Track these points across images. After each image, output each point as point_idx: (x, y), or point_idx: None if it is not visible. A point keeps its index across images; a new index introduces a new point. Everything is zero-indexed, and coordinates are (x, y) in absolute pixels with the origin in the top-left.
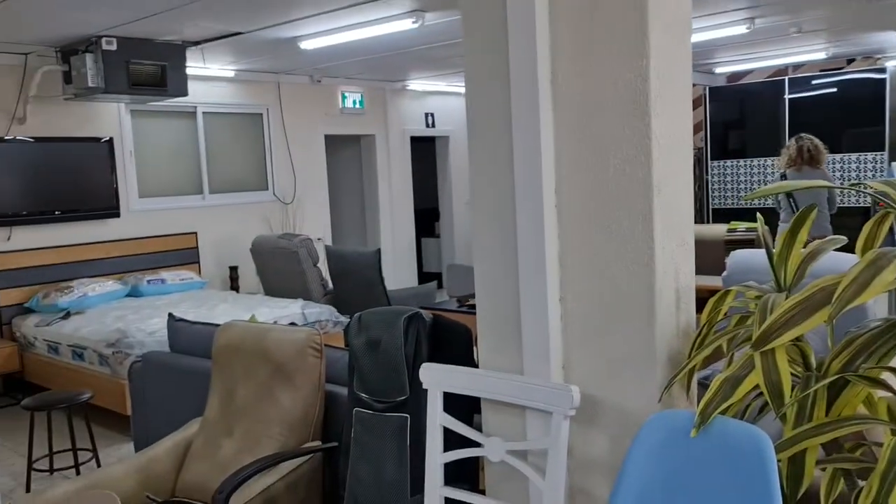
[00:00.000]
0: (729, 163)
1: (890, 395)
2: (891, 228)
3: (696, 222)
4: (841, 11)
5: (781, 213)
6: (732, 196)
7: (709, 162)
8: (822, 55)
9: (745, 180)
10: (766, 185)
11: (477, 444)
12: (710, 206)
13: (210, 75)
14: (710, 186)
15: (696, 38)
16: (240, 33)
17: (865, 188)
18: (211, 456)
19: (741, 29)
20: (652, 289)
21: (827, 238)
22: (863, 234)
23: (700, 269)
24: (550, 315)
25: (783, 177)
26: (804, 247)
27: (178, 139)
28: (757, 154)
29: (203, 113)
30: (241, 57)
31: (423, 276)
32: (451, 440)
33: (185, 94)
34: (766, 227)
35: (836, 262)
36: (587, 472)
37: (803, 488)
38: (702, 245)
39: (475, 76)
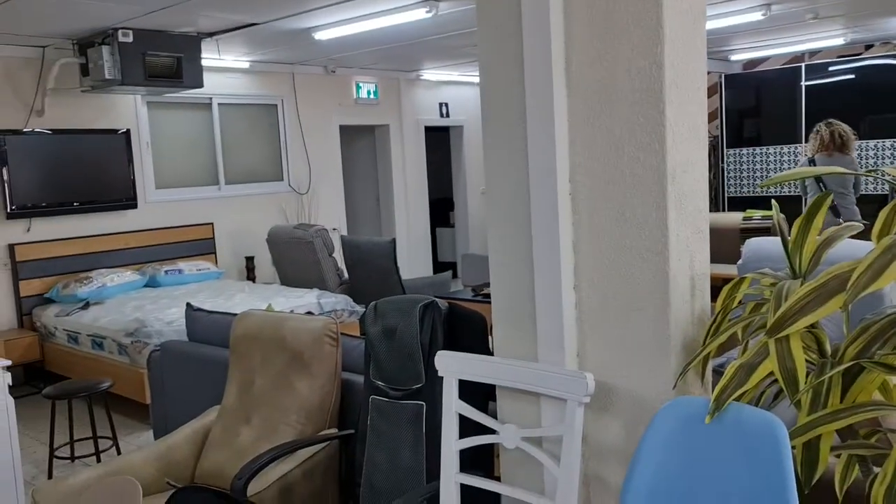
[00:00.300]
0: (745, 151)
1: None
2: None
3: (711, 210)
4: None
5: (808, 199)
6: (748, 184)
7: (724, 150)
8: (839, 41)
9: (761, 168)
10: (781, 172)
11: (492, 431)
12: (726, 195)
13: (225, 66)
14: (725, 174)
15: (712, 24)
16: (255, 24)
17: (883, 175)
18: (229, 443)
19: (757, 15)
20: (666, 276)
21: (842, 225)
22: (879, 221)
23: (715, 258)
24: (565, 303)
25: (811, 162)
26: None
27: (193, 130)
28: (773, 142)
29: (218, 104)
30: (255, 48)
31: (438, 266)
32: (467, 427)
33: (200, 85)
34: (782, 215)
35: (851, 248)
36: (602, 459)
37: (818, 474)
38: (717, 233)
39: (489, 65)
